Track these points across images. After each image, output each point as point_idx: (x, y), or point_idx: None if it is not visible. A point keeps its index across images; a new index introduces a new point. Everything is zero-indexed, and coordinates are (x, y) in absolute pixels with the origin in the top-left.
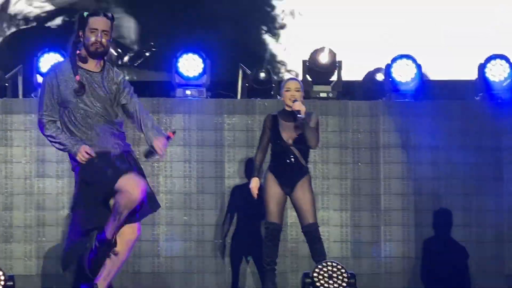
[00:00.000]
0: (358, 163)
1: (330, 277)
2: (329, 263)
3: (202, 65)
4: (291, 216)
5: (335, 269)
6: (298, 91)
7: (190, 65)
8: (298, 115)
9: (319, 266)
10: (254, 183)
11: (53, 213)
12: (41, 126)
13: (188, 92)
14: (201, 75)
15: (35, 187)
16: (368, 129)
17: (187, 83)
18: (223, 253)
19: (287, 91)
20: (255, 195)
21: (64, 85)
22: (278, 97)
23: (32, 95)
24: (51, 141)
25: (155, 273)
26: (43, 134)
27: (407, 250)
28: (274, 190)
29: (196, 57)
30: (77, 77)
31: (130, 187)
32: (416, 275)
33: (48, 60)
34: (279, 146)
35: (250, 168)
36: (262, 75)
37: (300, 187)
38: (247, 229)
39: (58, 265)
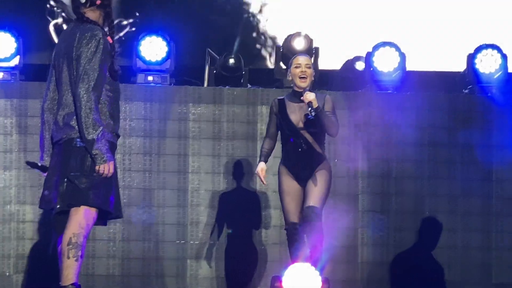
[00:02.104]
0: (335, 160)
1: (302, 281)
2: (301, 266)
3: (166, 49)
4: (260, 215)
5: (307, 273)
6: (309, 67)
7: (153, 48)
8: (310, 109)
9: (290, 269)
10: (260, 167)
11: None
12: None
13: (150, 78)
14: (164, 59)
15: None
16: (346, 123)
17: (149, 68)
18: (187, 255)
19: (296, 67)
20: (263, 180)
21: None
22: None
23: None
24: None
25: (109, 276)
26: None
27: (385, 255)
28: (288, 184)
29: (159, 40)
30: None
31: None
32: (396, 283)
33: None
34: (288, 131)
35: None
36: (232, 61)
37: (316, 174)
38: (217, 229)
39: (3, 264)
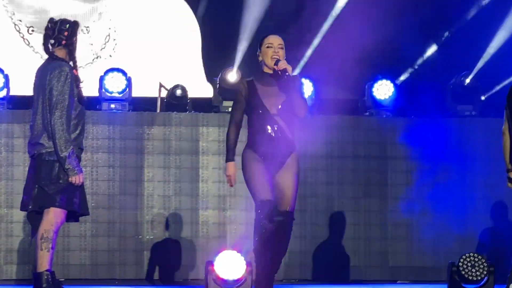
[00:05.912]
0: None
1: (230, 266)
2: (229, 253)
3: (125, 82)
4: (202, 215)
5: (234, 258)
6: (282, 48)
7: (115, 82)
8: (286, 74)
9: (220, 256)
10: (232, 169)
11: None
12: None
13: (112, 105)
14: (124, 90)
15: None
16: None
17: (112, 97)
18: (144, 248)
19: (268, 47)
20: (232, 183)
21: None
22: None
23: None
24: None
25: (81, 265)
26: None
27: (304, 245)
28: (257, 166)
29: (120, 75)
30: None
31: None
32: (312, 267)
33: None
34: (261, 116)
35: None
36: (178, 92)
37: (286, 167)
38: (166, 226)
39: None
